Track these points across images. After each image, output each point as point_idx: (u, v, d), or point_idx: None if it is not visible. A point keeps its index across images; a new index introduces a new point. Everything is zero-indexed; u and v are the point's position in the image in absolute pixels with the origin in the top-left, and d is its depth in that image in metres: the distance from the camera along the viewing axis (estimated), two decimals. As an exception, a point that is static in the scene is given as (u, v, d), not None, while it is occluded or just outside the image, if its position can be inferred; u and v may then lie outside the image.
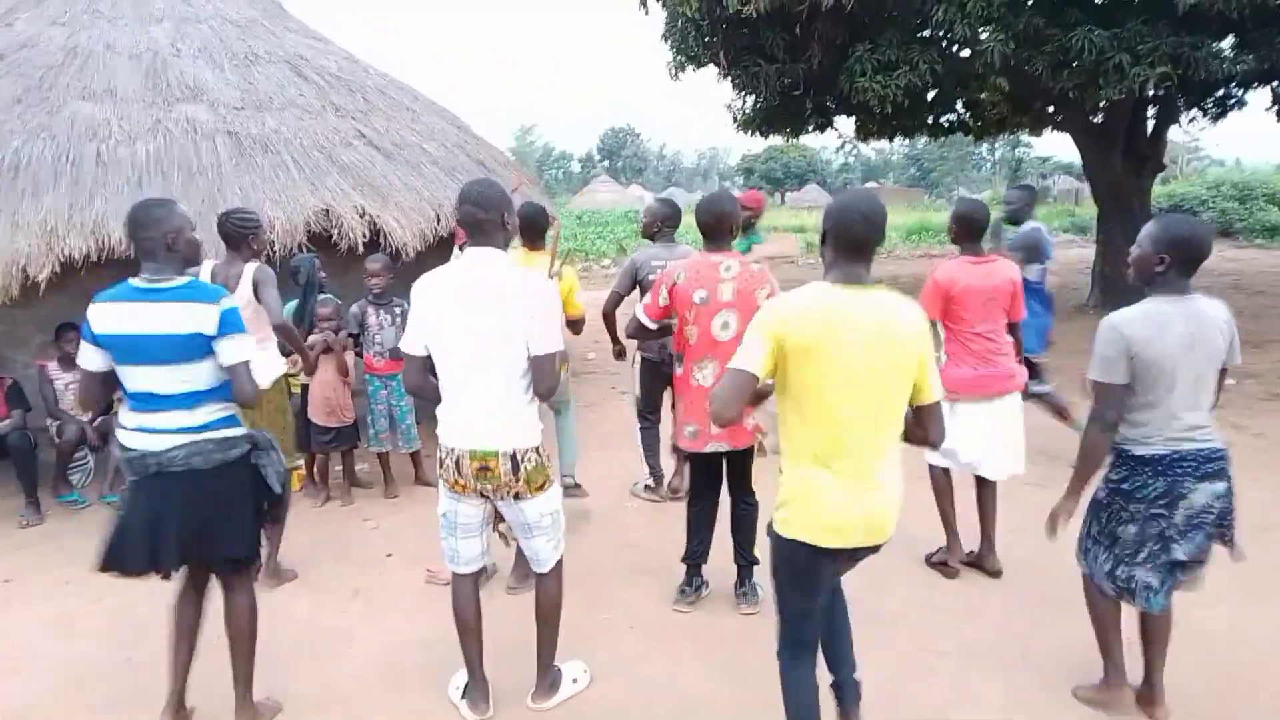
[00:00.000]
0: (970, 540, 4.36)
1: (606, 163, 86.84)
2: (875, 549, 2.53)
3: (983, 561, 4.30)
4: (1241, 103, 12.41)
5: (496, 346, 2.87)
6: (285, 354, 4.48)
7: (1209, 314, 2.83)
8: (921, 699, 3.27)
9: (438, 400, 3.01)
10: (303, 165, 6.39)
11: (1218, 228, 21.67)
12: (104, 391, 3.01)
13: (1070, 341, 6.61)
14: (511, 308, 2.85)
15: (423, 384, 3.02)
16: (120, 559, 2.91)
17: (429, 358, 2.97)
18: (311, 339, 5.26)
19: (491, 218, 2.91)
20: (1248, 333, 9.61)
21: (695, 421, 3.76)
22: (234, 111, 6.55)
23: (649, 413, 5.37)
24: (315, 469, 5.71)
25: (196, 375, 2.88)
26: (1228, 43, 9.49)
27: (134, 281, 2.87)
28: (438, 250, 6.31)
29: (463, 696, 3.27)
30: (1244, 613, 3.82)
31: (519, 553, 3.90)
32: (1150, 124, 12.33)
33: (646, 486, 5.52)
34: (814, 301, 2.38)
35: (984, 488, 4.29)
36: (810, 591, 2.56)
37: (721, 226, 3.75)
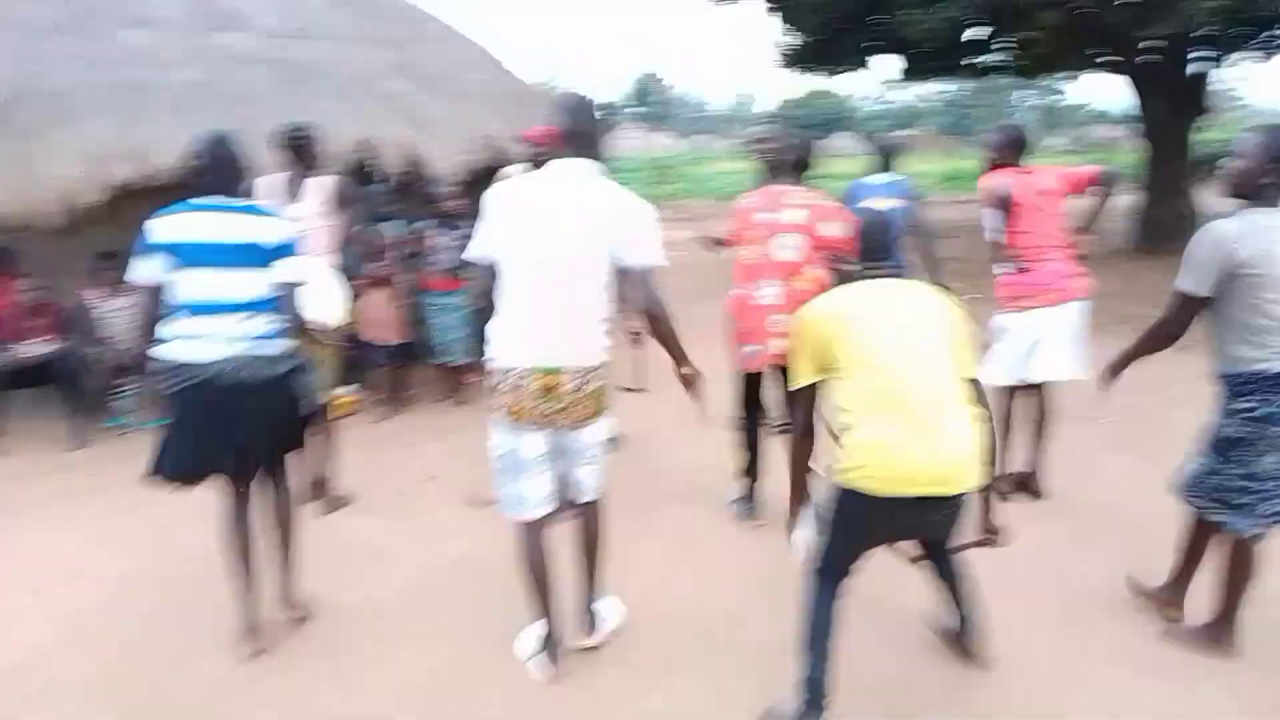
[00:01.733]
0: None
1: (633, 110, 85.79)
2: (952, 503, 2.53)
3: (1028, 482, 4.30)
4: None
5: (577, 258, 2.74)
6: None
7: None
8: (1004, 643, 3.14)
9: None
10: (344, 94, 6.38)
11: None
12: (159, 307, 3.01)
13: (1110, 284, 6.54)
14: (600, 218, 2.74)
15: (490, 286, 2.83)
16: (169, 468, 3.00)
17: (489, 265, 2.82)
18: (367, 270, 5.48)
19: (588, 129, 2.85)
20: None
21: (756, 341, 3.86)
22: (273, 39, 6.53)
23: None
24: (376, 385, 6.05)
25: (255, 284, 2.98)
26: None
27: (196, 200, 2.97)
28: (482, 182, 6.30)
29: (531, 655, 3.05)
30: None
31: None
32: (1197, 66, 11.98)
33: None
34: (839, 295, 2.70)
35: (1043, 398, 4.28)
36: (861, 539, 2.64)
37: (784, 162, 3.95)
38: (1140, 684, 2.87)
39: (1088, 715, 2.75)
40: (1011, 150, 4.24)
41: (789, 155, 3.97)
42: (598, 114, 2.89)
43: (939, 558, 2.90)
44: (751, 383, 4.11)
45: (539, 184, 2.85)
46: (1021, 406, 4.32)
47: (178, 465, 2.99)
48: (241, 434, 2.99)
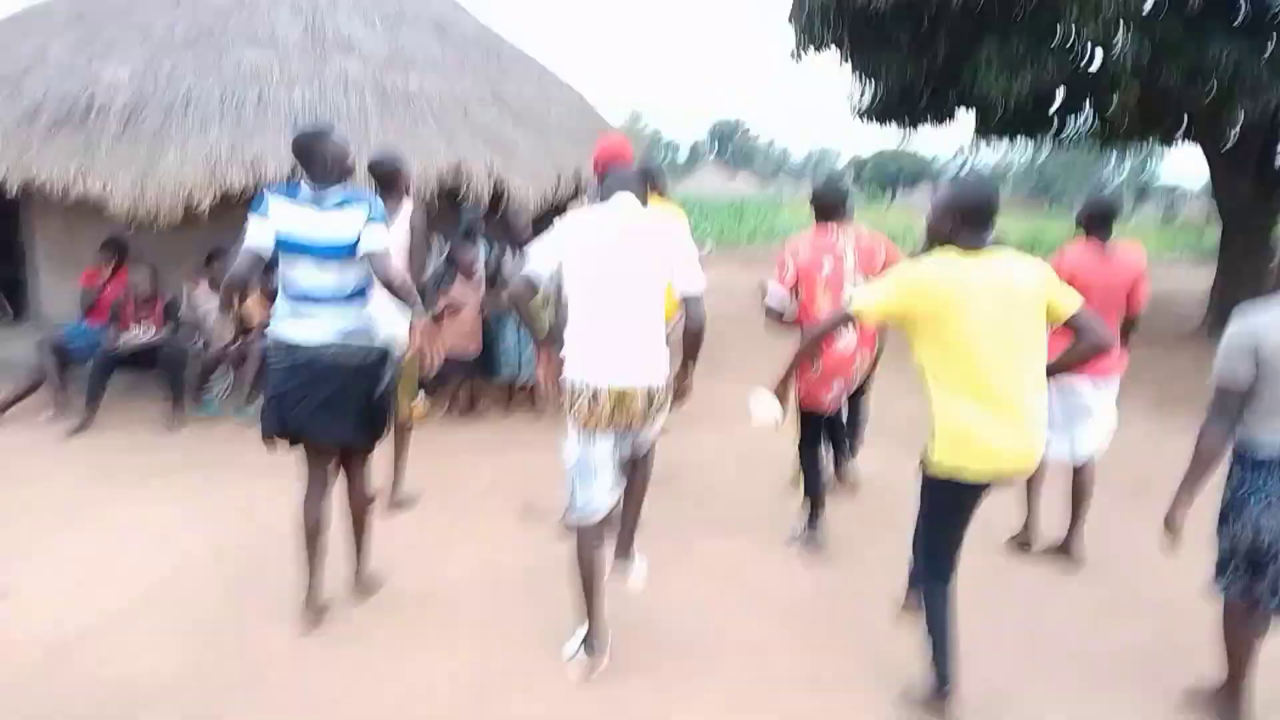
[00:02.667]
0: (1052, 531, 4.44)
1: (714, 153, 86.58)
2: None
3: (1068, 546, 4.36)
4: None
5: (639, 284, 3.06)
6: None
7: None
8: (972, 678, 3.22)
9: (529, 317, 3.23)
10: (440, 121, 6.79)
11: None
12: (254, 274, 3.27)
13: (1180, 364, 6.51)
14: (660, 250, 3.10)
15: (526, 297, 3.12)
16: (273, 427, 3.34)
17: (536, 282, 3.10)
18: (447, 299, 6.06)
19: (634, 179, 3.26)
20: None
21: (838, 388, 4.22)
22: (382, 67, 6.99)
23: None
24: (449, 394, 6.55)
25: (350, 280, 3.26)
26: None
27: (305, 187, 3.23)
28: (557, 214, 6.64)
29: (576, 652, 3.25)
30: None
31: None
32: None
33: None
34: (945, 267, 2.74)
35: (1080, 473, 4.35)
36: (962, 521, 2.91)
37: (832, 205, 4.23)
38: None
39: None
40: (1096, 222, 4.20)
41: (831, 199, 4.24)
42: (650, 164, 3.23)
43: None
44: (819, 423, 4.37)
45: (607, 216, 3.15)
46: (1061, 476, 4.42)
47: (276, 426, 3.33)
48: (327, 404, 3.28)
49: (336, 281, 3.23)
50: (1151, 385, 7.64)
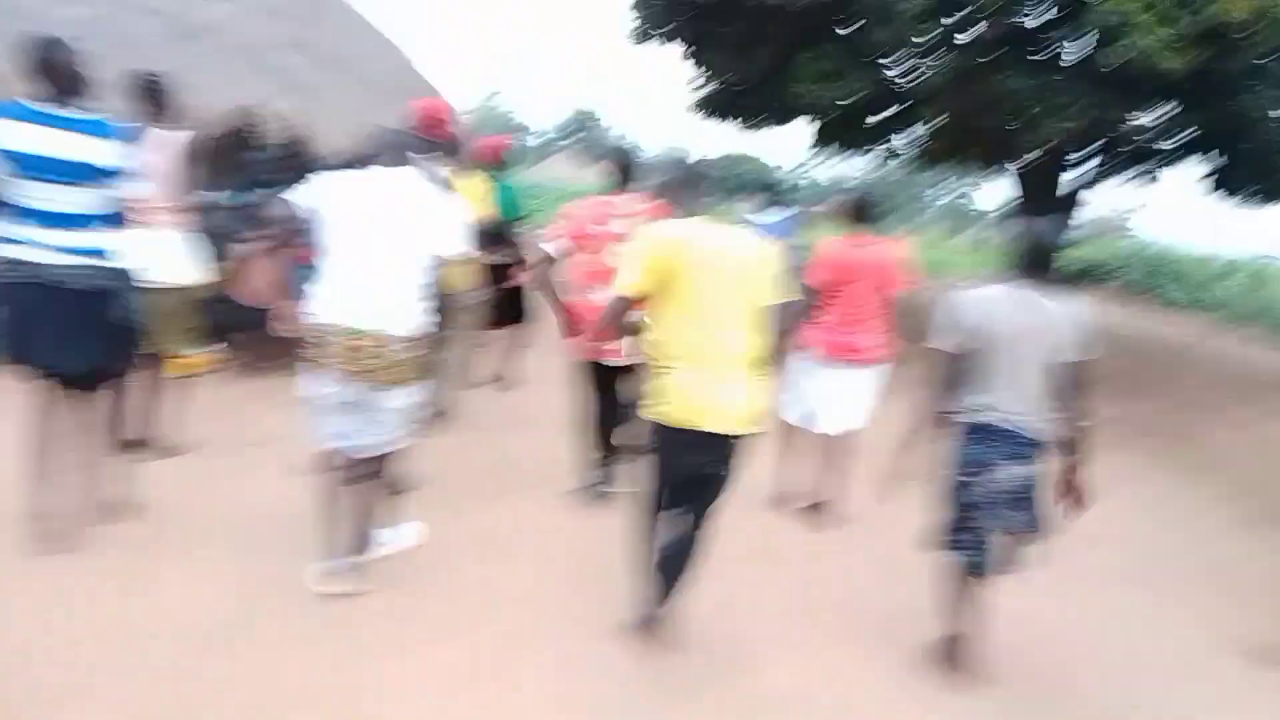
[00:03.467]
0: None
1: (565, 142, 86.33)
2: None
3: (819, 509, 4.68)
4: (1154, 176, 12.96)
5: (394, 237, 3.23)
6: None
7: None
8: (738, 639, 3.52)
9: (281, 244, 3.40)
10: (234, 60, 6.39)
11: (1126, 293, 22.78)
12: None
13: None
14: (413, 209, 3.29)
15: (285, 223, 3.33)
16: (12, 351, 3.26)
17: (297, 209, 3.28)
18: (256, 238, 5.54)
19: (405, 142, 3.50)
20: (1126, 386, 10.35)
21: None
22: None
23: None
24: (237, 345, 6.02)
25: (87, 200, 3.17)
26: (1163, 109, 9.89)
27: (31, 104, 3.05)
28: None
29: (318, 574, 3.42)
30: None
31: None
32: (1072, 183, 12.87)
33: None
34: (679, 227, 2.99)
35: (834, 443, 4.64)
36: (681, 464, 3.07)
37: (624, 169, 4.39)
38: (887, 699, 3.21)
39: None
40: (854, 214, 4.50)
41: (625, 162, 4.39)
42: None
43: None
44: (600, 375, 4.42)
45: (368, 175, 3.32)
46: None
47: (14, 350, 3.24)
48: (63, 329, 3.21)
49: (74, 202, 3.15)
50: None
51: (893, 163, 15.63)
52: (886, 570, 4.19)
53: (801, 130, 12.90)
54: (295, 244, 3.31)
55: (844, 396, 4.51)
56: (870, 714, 3.16)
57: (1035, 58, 9.72)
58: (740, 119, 12.99)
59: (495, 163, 6.18)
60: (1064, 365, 3.12)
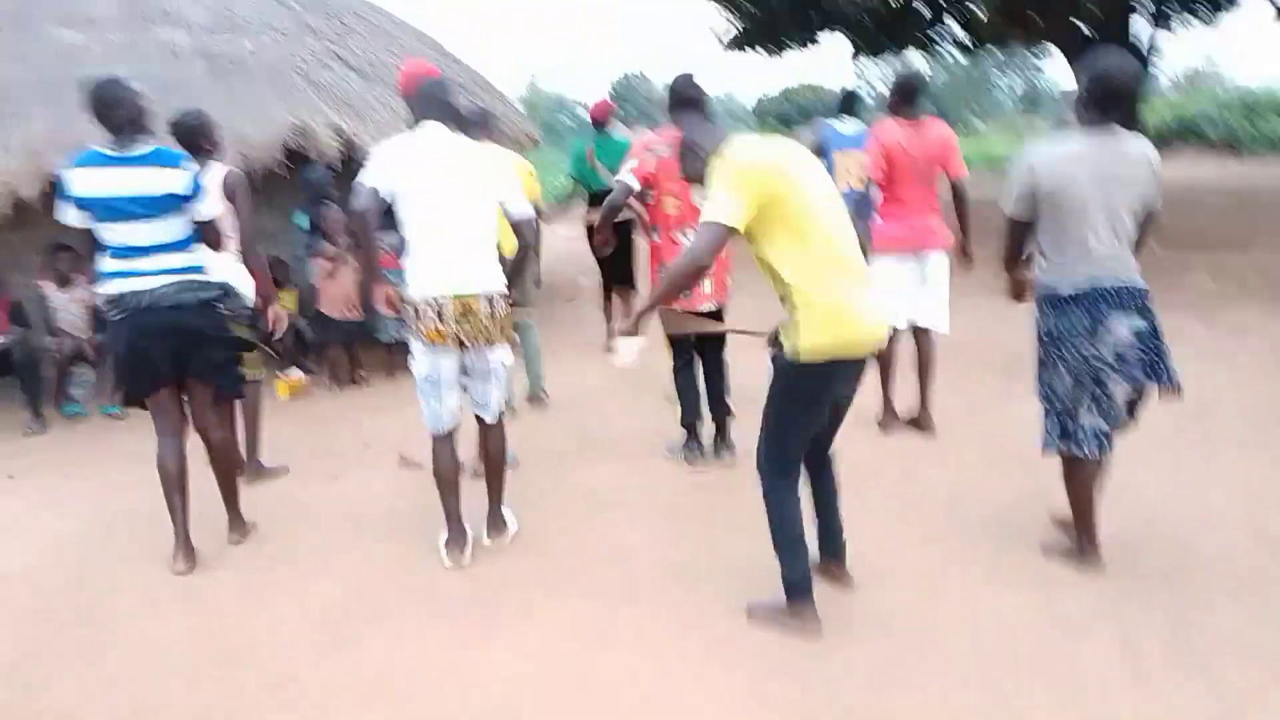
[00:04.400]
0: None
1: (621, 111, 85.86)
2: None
3: (920, 421, 4.54)
4: (1232, 2, 12.15)
5: (471, 200, 3.28)
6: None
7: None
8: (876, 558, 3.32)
9: (370, 242, 3.31)
10: (276, 84, 6.56)
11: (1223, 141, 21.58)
12: (94, 244, 3.32)
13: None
14: (478, 171, 3.32)
15: (372, 210, 3.21)
16: (124, 385, 3.45)
17: (378, 191, 3.19)
18: (320, 259, 6.09)
19: (450, 102, 3.39)
20: (1240, 233, 9.77)
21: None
22: (209, 34, 6.70)
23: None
24: (332, 361, 6.43)
25: (171, 229, 3.31)
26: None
27: (103, 149, 3.20)
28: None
29: (443, 546, 3.50)
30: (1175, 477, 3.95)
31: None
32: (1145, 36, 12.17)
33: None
34: (762, 148, 2.72)
35: (921, 346, 4.51)
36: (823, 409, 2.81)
37: (700, 105, 3.98)
38: (1006, 595, 3.03)
39: (954, 622, 2.90)
40: (903, 97, 4.37)
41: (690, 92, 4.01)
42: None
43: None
44: (687, 346, 4.27)
45: (424, 141, 3.27)
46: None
47: (129, 384, 3.43)
48: (176, 349, 3.36)
49: (156, 232, 3.27)
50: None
51: (944, 51, 14.99)
52: (988, 471, 4.09)
53: (839, 48, 12.62)
54: (372, 244, 3.31)
55: (922, 289, 4.40)
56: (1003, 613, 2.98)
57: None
58: (776, 45, 12.71)
59: (604, 121, 6.50)
60: (1143, 212, 2.96)
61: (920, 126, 4.31)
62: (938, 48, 13.79)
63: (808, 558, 2.83)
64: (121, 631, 3.12)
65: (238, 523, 3.80)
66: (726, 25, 12.27)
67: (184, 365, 3.41)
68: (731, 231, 2.59)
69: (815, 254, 2.61)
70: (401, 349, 6.34)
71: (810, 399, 2.75)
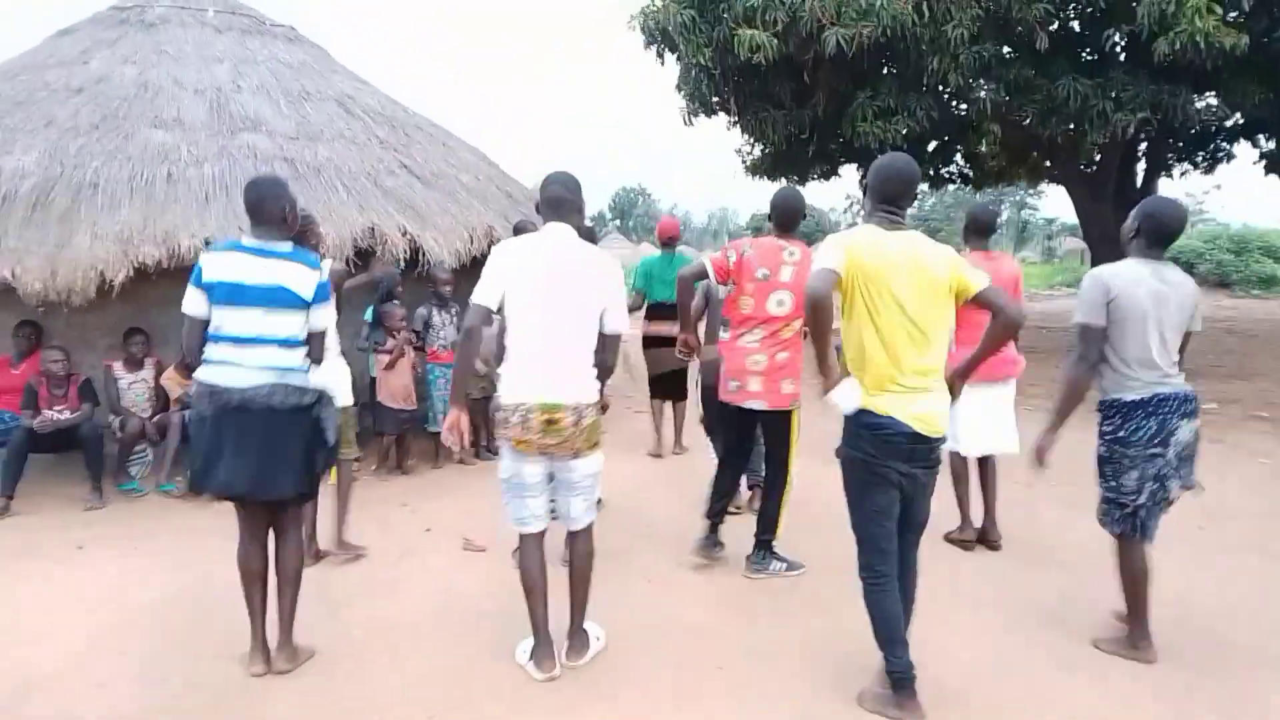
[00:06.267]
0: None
1: (618, 221, 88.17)
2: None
3: (987, 535, 4.77)
4: (1229, 155, 12.96)
5: (575, 309, 3.21)
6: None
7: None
8: (949, 646, 3.59)
9: (466, 356, 3.27)
10: (351, 189, 7.01)
11: (1214, 277, 22.46)
12: (203, 339, 3.28)
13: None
14: (594, 280, 3.26)
15: (480, 325, 3.21)
16: (205, 481, 3.27)
17: (491, 311, 3.21)
18: (391, 344, 6.45)
19: (573, 199, 3.37)
20: (1236, 368, 10.29)
21: (738, 378, 4.19)
22: (289, 141, 7.19)
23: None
24: (385, 449, 6.67)
25: (288, 325, 3.30)
26: (1210, 97, 10.11)
27: (245, 240, 3.32)
28: (473, 268, 6.87)
29: (529, 658, 3.41)
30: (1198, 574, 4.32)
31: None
32: (1140, 176, 12.92)
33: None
34: (867, 235, 2.94)
35: (985, 469, 4.77)
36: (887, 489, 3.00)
37: (791, 218, 4.23)
38: (1065, 681, 3.30)
39: (1019, 704, 3.15)
40: (977, 231, 4.68)
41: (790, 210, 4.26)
42: (577, 186, 3.41)
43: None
44: (735, 420, 4.35)
45: (539, 241, 3.29)
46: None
47: (209, 480, 3.25)
48: (261, 453, 3.22)
49: (273, 326, 3.25)
50: (1043, 389, 8.26)
51: (953, 186, 15.80)
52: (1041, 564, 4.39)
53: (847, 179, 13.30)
54: (470, 361, 3.32)
55: (990, 415, 4.64)
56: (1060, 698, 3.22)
57: (1089, 57, 9.98)
58: (793, 176, 13.30)
59: (674, 239, 7.06)
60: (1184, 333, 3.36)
61: (995, 260, 4.55)
62: (946, 182, 14.51)
63: (906, 651, 2.99)
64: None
65: (287, 645, 3.52)
66: (749, 150, 12.89)
67: (267, 475, 3.26)
68: (833, 275, 2.83)
69: (868, 345, 2.90)
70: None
71: (867, 470, 2.97)
